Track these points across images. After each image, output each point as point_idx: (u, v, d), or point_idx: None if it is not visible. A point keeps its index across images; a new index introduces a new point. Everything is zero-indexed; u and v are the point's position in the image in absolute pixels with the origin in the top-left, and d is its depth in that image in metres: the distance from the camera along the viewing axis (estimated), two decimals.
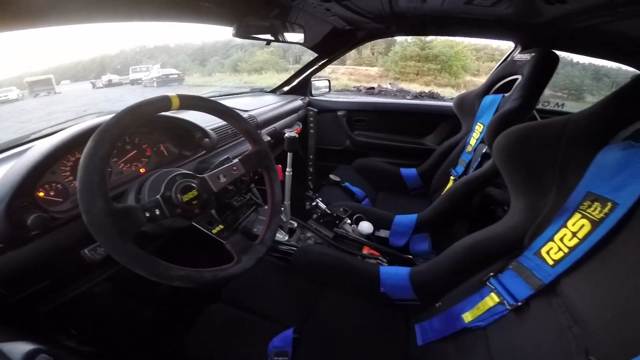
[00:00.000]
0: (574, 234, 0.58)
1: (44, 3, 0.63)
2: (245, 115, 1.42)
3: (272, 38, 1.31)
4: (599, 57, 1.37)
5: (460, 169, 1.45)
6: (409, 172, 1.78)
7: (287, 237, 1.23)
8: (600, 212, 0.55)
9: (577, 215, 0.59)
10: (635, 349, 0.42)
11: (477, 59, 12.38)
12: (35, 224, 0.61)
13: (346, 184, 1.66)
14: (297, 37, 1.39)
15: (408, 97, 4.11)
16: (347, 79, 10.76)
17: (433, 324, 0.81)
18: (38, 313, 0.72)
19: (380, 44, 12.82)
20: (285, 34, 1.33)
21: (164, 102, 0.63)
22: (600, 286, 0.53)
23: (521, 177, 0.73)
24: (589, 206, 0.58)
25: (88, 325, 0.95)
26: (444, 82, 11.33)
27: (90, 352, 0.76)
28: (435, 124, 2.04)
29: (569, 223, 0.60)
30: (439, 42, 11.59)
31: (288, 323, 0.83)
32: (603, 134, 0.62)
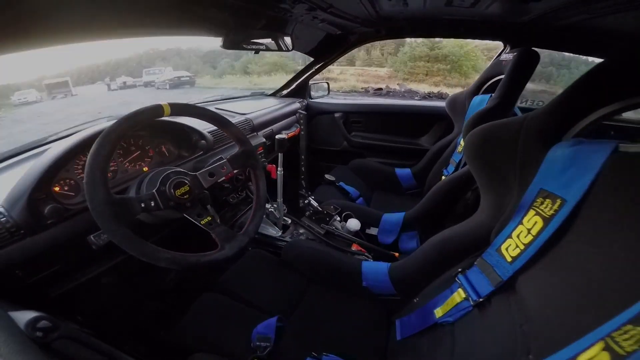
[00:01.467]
0: (529, 231, 0.59)
1: (41, 26, 0.72)
2: (242, 118, 1.49)
3: (263, 47, 1.34)
4: (584, 55, 1.37)
5: (451, 168, 1.47)
6: (403, 172, 1.81)
7: (280, 233, 1.30)
8: (550, 208, 0.56)
9: (532, 212, 0.60)
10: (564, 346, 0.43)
11: (488, 59, 12.10)
12: (51, 214, 0.72)
13: (341, 183, 1.71)
14: (288, 44, 1.44)
15: (416, 98, 4.11)
16: (356, 80, 10.73)
17: (411, 319, 0.82)
18: (48, 297, 0.80)
19: (389, 44, 12.64)
20: (275, 42, 1.36)
21: (157, 110, 0.73)
22: (547, 283, 0.54)
23: (486, 175, 0.75)
24: (542, 203, 0.59)
25: (93, 313, 1.01)
26: (454, 82, 11.09)
27: (91, 333, 0.84)
28: (430, 125, 2.07)
29: (525, 220, 0.61)
30: (448, 42, 11.36)
31: (275, 313, 0.87)
32: (555, 131, 0.63)
